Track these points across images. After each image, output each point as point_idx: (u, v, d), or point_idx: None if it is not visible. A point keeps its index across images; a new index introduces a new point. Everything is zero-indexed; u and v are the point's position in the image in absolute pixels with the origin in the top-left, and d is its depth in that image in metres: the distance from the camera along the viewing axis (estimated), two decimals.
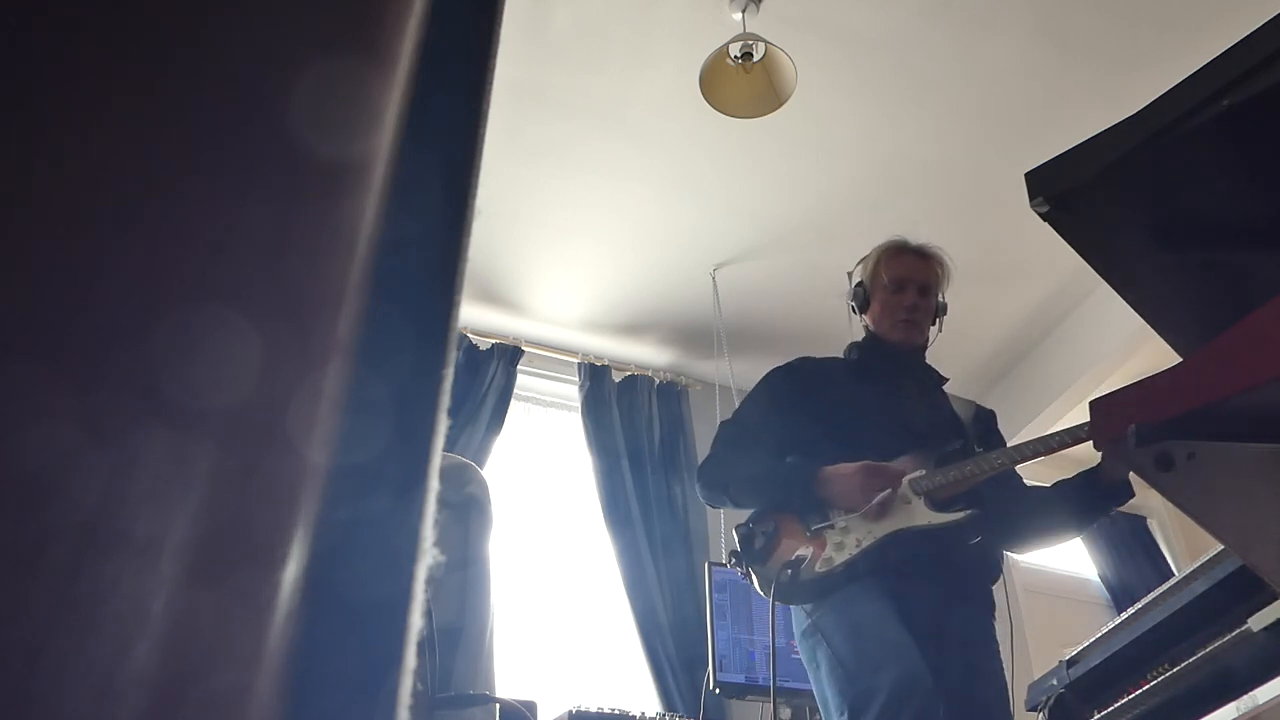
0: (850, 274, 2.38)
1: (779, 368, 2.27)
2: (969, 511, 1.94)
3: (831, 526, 1.95)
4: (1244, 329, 0.76)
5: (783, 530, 2.00)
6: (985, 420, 2.30)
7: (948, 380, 2.30)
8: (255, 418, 0.24)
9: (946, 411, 2.22)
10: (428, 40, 0.32)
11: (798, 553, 1.93)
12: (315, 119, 0.27)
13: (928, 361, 2.29)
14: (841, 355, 2.30)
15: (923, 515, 1.94)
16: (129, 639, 0.21)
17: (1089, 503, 2.08)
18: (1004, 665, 1.99)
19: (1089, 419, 0.88)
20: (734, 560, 2.04)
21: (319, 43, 0.27)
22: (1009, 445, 2.06)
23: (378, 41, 0.29)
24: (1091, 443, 1.94)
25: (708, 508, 3.74)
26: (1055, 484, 2.13)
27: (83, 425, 0.21)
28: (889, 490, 1.93)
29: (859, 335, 2.31)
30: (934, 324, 2.27)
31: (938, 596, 1.92)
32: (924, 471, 2.00)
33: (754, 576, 2.00)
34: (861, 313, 2.30)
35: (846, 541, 1.93)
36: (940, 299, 2.27)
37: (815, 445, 2.06)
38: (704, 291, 4.21)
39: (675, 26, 3.28)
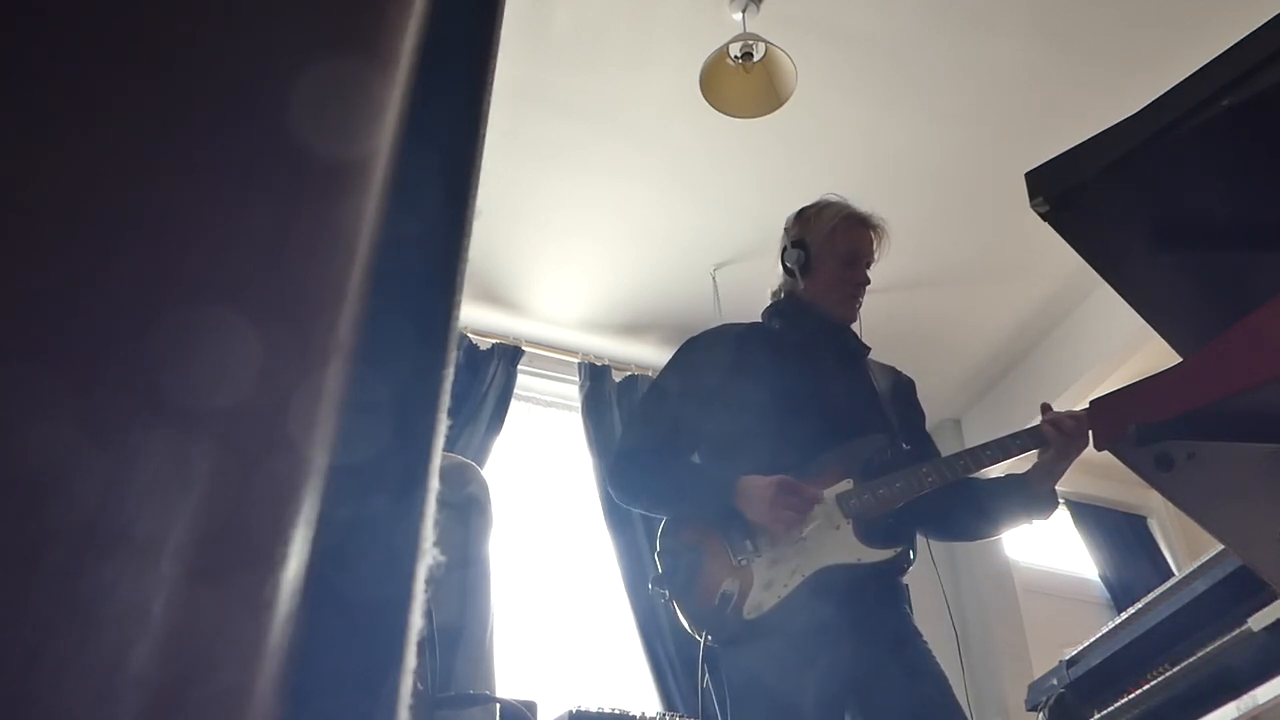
0: (786, 229, 2.18)
1: (696, 341, 2.11)
2: (900, 549, 1.87)
3: (759, 556, 1.84)
4: (1244, 329, 0.76)
5: (706, 556, 1.87)
6: (905, 391, 2.18)
7: (870, 350, 2.17)
8: (255, 418, 0.24)
9: (868, 394, 2.09)
10: (428, 40, 0.32)
11: (724, 588, 1.81)
12: (315, 119, 0.27)
13: (852, 329, 2.17)
14: (761, 319, 2.16)
15: (853, 548, 1.84)
16: (129, 639, 0.21)
17: (1012, 510, 2.00)
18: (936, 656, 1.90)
19: (1088, 419, 0.88)
20: (656, 588, 1.91)
21: (319, 43, 0.27)
22: (956, 452, 1.97)
23: (378, 41, 0.29)
24: (1019, 454, 1.93)
25: None
26: (984, 482, 2.05)
27: (83, 425, 0.21)
28: (805, 518, 1.82)
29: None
30: None
31: (862, 627, 1.81)
32: (851, 484, 1.90)
33: (679, 609, 1.87)
34: (800, 276, 2.11)
35: (775, 578, 1.82)
36: None
37: (732, 437, 1.95)
38: (704, 291, 4.21)
39: (675, 26, 3.28)
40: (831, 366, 2.08)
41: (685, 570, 1.88)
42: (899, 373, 2.22)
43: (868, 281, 2.12)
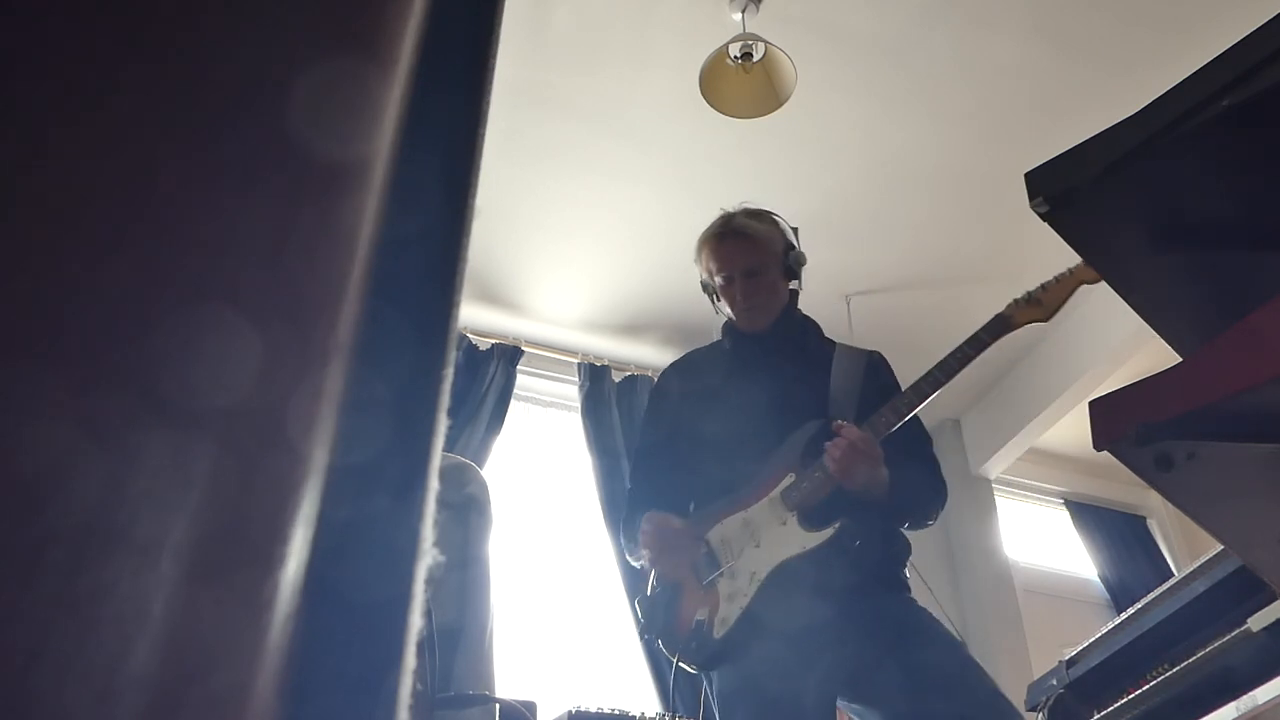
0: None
1: (658, 381, 2.24)
2: (838, 525, 1.82)
3: (720, 573, 1.86)
4: (1244, 329, 0.76)
5: (681, 589, 1.91)
6: (875, 370, 2.11)
7: (835, 344, 2.14)
8: (255, 418, 0.24)
9: (812, 385, 2.05)
10: (428, 40, 0.32)
11: (697, 617, 1.83)
12: (315, 119, 0.27)
13: (805, 323, 2.16)
14: (721, 337, 2.21)
15: (797, 539, 1.83)
16: (129, 639, 0.21)
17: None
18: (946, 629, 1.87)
19: (1089, 419, 0.88)
20: (644, 636, 1.96)
21: (319, 43, 0.27)
22: (920, 377, 1.92)
23: (378, 41, 0.29)
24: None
25: None
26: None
27: (83, 425, 0.21)
28: (689, 554, 1.89)
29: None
30: (793, 282, 2.13)
31: (845, 616, 1.79)
32: (793, 477, 1.90)
33: (663, 648, 1.91)
34: (715, 305, 2.19)
35: (736, 590, 1.84)
36: (789, 256, 2.12)
37: (693, 467, 2.02)
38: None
39: (675, 26, 3.28)
40: (771, 372, 2.07)
41: (662, 610, 1.92)
42: (868, 352, 2.15)
43: (748, 289, 2.07)
